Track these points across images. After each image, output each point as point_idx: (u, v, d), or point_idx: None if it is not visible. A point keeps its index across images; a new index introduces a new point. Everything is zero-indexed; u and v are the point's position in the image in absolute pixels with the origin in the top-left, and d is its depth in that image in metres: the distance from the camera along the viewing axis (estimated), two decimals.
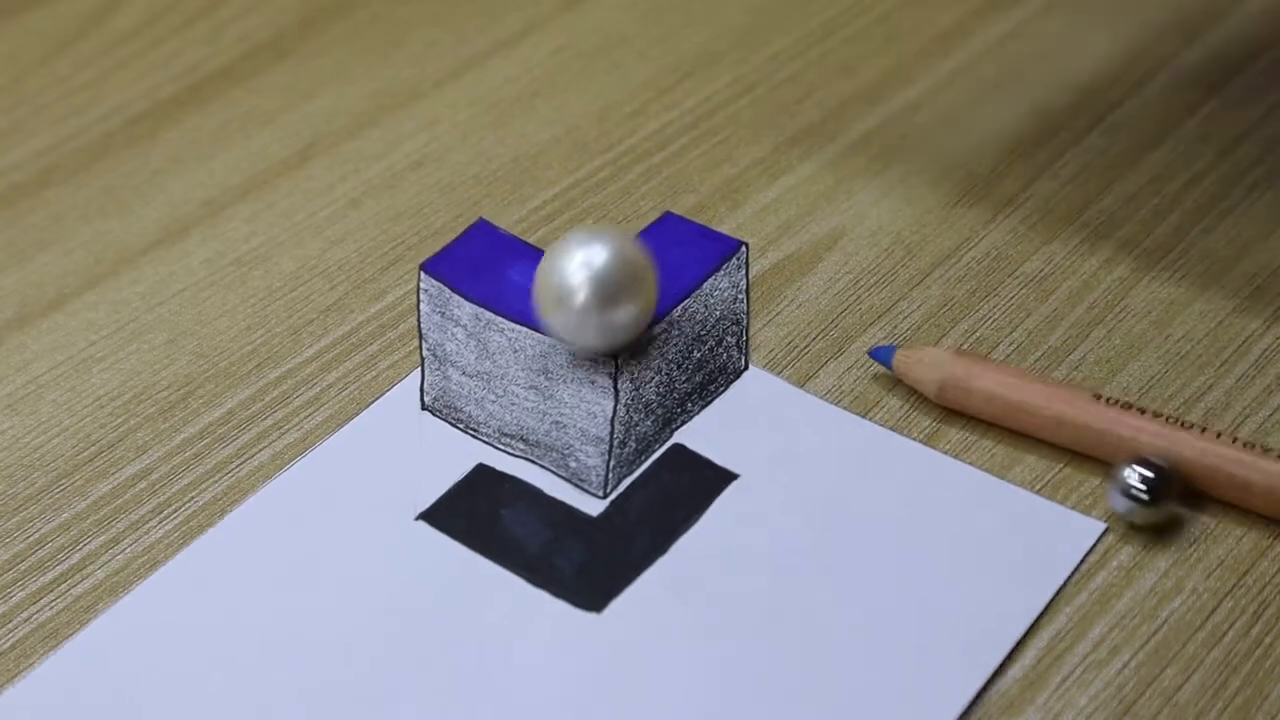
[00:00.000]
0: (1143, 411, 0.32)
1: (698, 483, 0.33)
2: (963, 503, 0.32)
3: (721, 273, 0.37)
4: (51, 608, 0.31)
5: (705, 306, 0.36)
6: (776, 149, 0.41)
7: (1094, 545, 0.31)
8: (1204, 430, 0.31)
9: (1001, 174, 0.39)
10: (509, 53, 0.45)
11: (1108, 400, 0.32)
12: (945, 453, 0.33)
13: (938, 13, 0.45)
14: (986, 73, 0.43)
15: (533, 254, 0.37)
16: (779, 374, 0.35)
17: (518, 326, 0.35)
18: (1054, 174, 0.39)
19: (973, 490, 0.32)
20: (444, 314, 0.36)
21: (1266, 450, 0.31)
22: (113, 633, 0.31)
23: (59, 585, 0.32)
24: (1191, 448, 0.31)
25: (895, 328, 0.36)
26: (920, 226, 0.38)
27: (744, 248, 0.38)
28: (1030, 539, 0.31)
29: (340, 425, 0.35)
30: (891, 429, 0.33)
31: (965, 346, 0.35)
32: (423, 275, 0.37)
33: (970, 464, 0.33)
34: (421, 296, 0.37)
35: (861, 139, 0.41)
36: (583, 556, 0.32)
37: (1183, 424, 0.31)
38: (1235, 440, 0.31)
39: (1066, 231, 0.38)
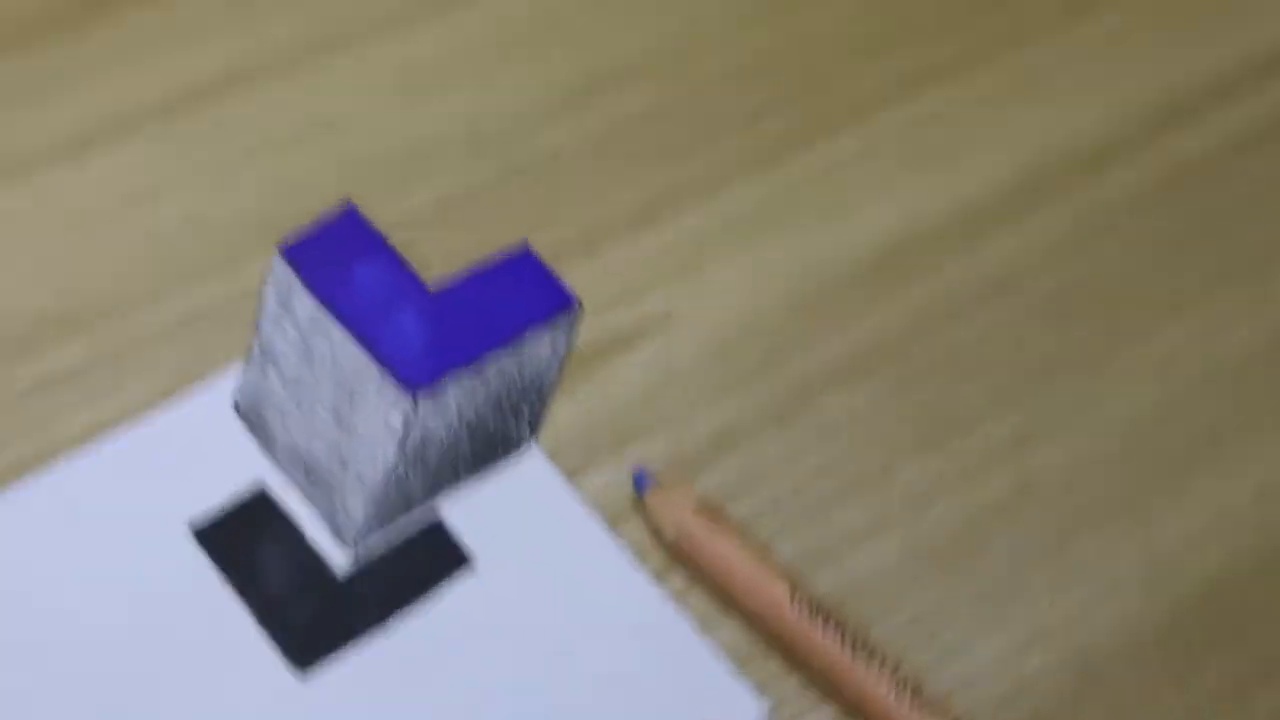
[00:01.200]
0: (827, 621, 0.35)
1: (438, 561, 0.36)
2: (655, 647, 0.35)
3: (546, 332, 0.39)
4: None
5: (519, 366, 0.38)
6: (657, 196, 0.42)
7: None
8: (872, 660, 0.34)
9: (866, 286, 0.41)
10: (444, 15, 0.45)
11: (800, 600, 0.35)
12: (674, 589, 0.36)
13: (863, 82, 0.45)
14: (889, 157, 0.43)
15: (391, 258, 0.39)
16: (554, 459, 0.38)
17: (345, 335, 0.38)
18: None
19: (668, 635, 0.35)
20: (285, 306, 0.39)
21: (916, 694, 0.34)
22: None
23: None
24: (851, 679, 0.34)
25: (679, 444, 0.38)
26: (750, 329, 0.40)
27: (577, 309, 0.40)
28: (695, 704, 0.34)
29: (162, 401, 0.38)
30: (636, 549, 0.36)
31: (733, 484, 0.38)
32: (277, 260, 0.39)
33: (688, 605, 0.36)
34: (269, 281, 0.39)
35: (736, 211, 0.42)
36: (314, 613, 0.35)
37: (854, 647, 0.34)
38: (895, 676, 0.34)
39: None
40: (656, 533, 0.37)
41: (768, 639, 0.36)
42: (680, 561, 0.37)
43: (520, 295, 0.39)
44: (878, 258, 0.41)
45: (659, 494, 0.37)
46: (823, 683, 0.35)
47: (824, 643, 0.34)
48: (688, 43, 0.45)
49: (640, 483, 0.37)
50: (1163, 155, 0.43)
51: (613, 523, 0.37)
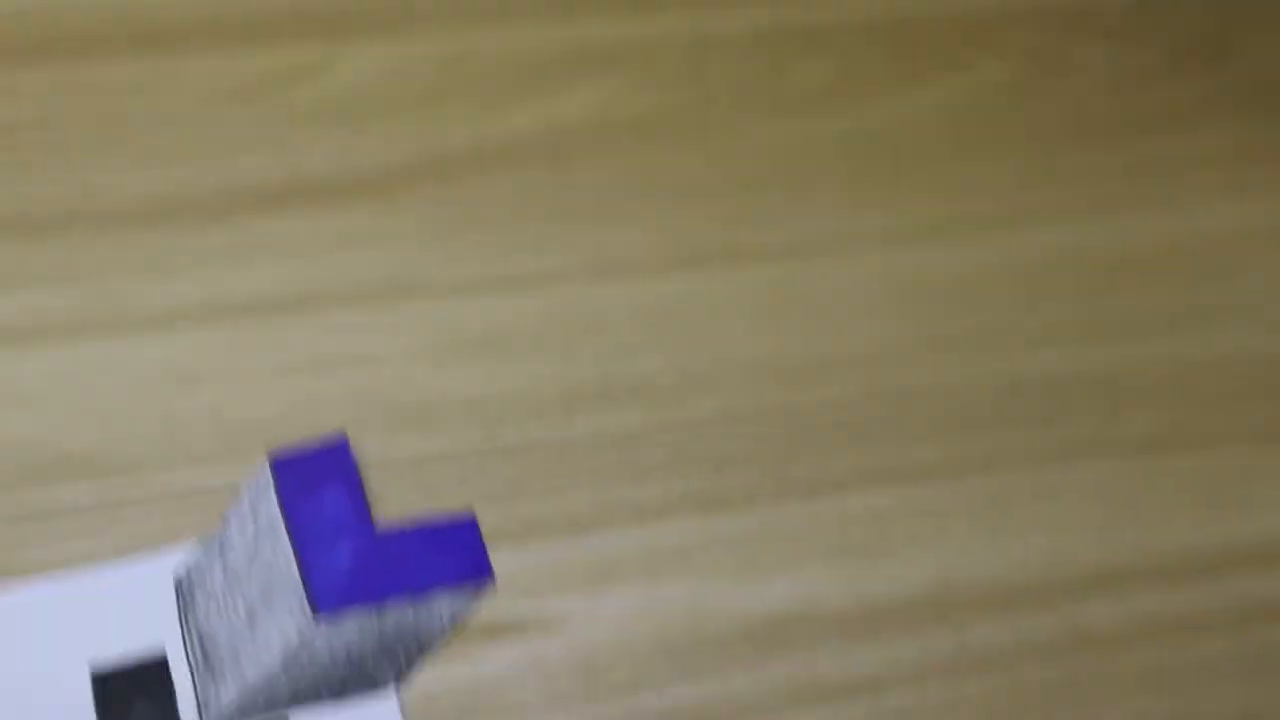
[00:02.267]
0: None
1: None
2: None
3: (451, 595, 0.45)
4: None
5: (415, 616, 0.44)
6: (598, 511, 0.48)
7: None
8: None
9: (752, 646, 0.45)
10: (534, 286, 0.52)
11: None
12: None
13: None
14: None
15: (357, 493, 0.46)
16: (410, 713, 0.43)
17: (288, 548, 0.44)
18: None
19: None
20: (254, 507, 0.46)
21: None
22: None
23: None
24: None
25: None
26: (629, 656, 0.45)
27: (487, 584, 0.45)
28: None
29: (125, 554, 0.45)
30: None
31: None
32: (263, 465, 0.46)
33: None
34: (250, 482, 0.46)
35: (664, 544, 0.47)
36: None
37: None
38: None
39: None
40: None
41: None
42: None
43: (446, 555, 0.45)
44: (772, 624, 0.46)
45: None
46: None
47: None
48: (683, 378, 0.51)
49: None
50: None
51: None
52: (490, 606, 0.45)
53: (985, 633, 0.46)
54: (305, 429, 0.48)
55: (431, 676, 0.44)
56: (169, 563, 0.45)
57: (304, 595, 0.42)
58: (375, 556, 0.44)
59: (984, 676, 0.45)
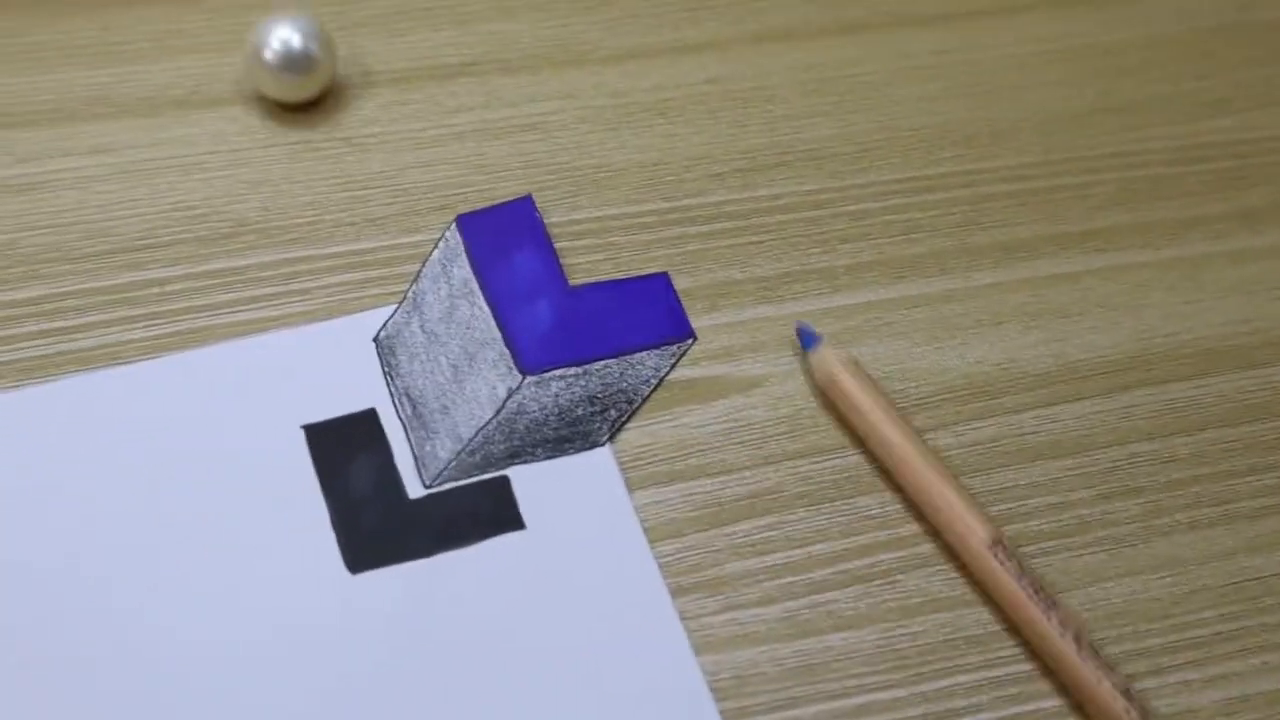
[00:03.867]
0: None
1: (495, 515, 0.41)
2: (652, 659, 0.39)
3: (655, 353, 0.44)
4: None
5: (621, 373, 0.43)
6: (783, 277, 0.47)
7: None
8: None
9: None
10: (696, 54, 0.51)
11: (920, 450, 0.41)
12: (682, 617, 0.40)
13: None
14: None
15: (548, 253, 0.45)
16: (623, 467, 0.43)
17: (486, 308, 0.43)
18: None
19: (668, 654, 0.39)
20: (445, 268, 0.45)
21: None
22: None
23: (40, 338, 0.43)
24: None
25: (728, 492, 0.42)
26: (825, 412, 0.44)
27: (691, 342, 0.45)
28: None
29: (309, 322, 0.44)
30: (662, 571, 0.41)
31: (767, 539, 0.42)
32: (453, 227, 0.45)
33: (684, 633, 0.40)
34: (440, 244, 0.45)
35: (867, 305, 0.46)
36: (380, 524, 0.41)
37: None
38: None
39: None
40: (811, 377, 0.43)
41: (890, 481, 0.42)
42: (828, 408, 0.43)
43: (645, 314, 0.44)
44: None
45: (822, 349, 0.43)
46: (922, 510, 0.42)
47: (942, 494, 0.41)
48: (879, 135, 0.50)
49: (806, 338, 0.43)
50: None
51: (650, 538, 0.41)
52: (689, 365, 0.44)
53: (1187, 391, 0.46)
54: (482, 193, 0.47)
55: (640, 433, 0.43)
56: (365, 323, 0.44)
57: (509, 354, 0.42)
58: (574, 315, 0.43)
59: (1189, 436, 0.45)
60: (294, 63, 0.46)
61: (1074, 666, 0.39)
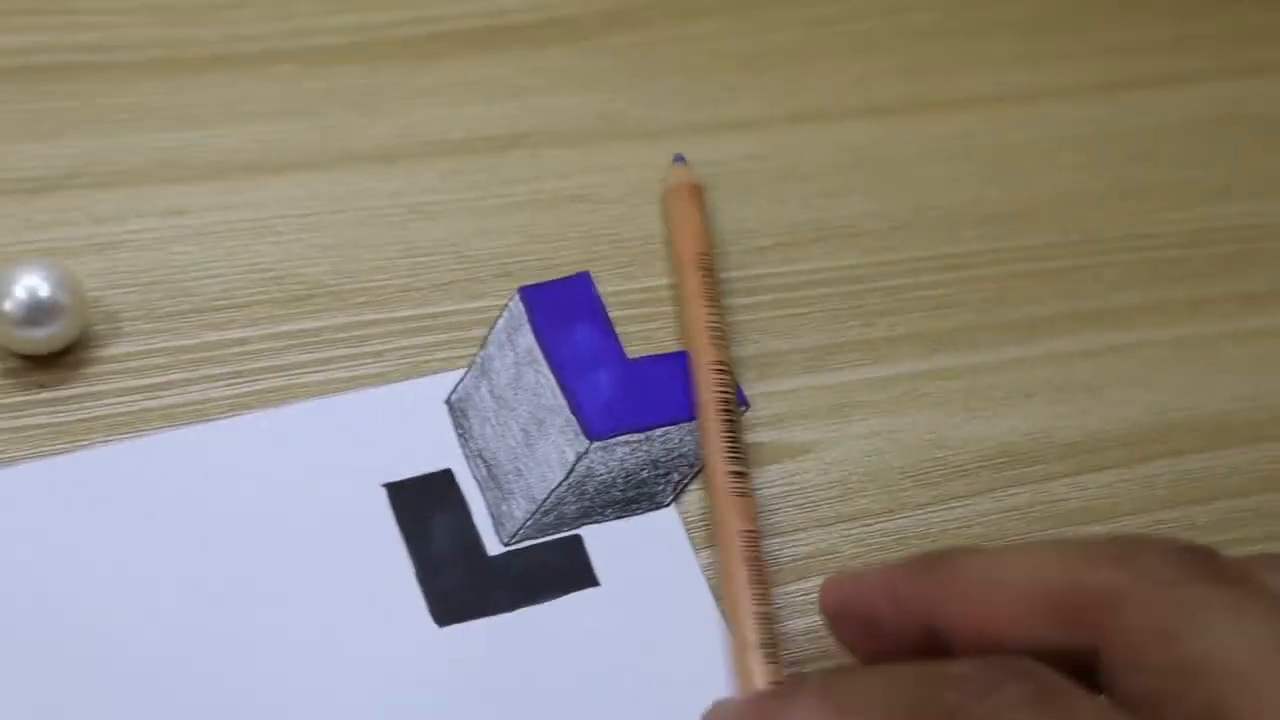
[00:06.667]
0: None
1: (570, 572, 0.43)
2: None
3: None
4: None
5: (680, 439, 0.46)
6: (828, 350, 0.49)
7: None
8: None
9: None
10: (734, 132, 0.54)
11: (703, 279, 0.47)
12: None
13: None
14: None
15: (605, 325, 0.47)
16: (687, 526, 0.45)
17: (551, 376, 0.45)
18: None
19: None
20: (509, 336, 0.47)
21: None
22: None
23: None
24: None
25: (778, 557, 0.45)
26: (877, 480, 0.47)
27: (743, 411, 0.47)
28: None
29: (382, 383, 0.46)
30: (720, 618, 0.43)
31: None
32: (516, 298, 0.47)
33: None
34: (504, 314, 0.47)
35: (905, 376, 0.49)
36: (463, 580, 0.43)
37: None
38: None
39: None
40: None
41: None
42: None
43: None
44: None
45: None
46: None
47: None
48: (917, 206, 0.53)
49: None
50: None
51: (715, 595, 0.44)
52: (746, 430, 0.47)
53: (1202, 462, 0.49)
54: (539, 263, 0.49)
55: (702, 495, 0.45)
56: (436, 386, 0.46)
57: (575, 422, 0.44)
58: (634, 385, 0.46)
59: (1205, 505, 0.48)
60: None
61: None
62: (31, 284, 0.43)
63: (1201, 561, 0.31)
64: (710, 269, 0.48)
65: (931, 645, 0.35)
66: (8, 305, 0.43)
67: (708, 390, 0.44)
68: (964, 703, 0.30)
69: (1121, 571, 0.31)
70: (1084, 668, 0.32)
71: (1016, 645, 0.32)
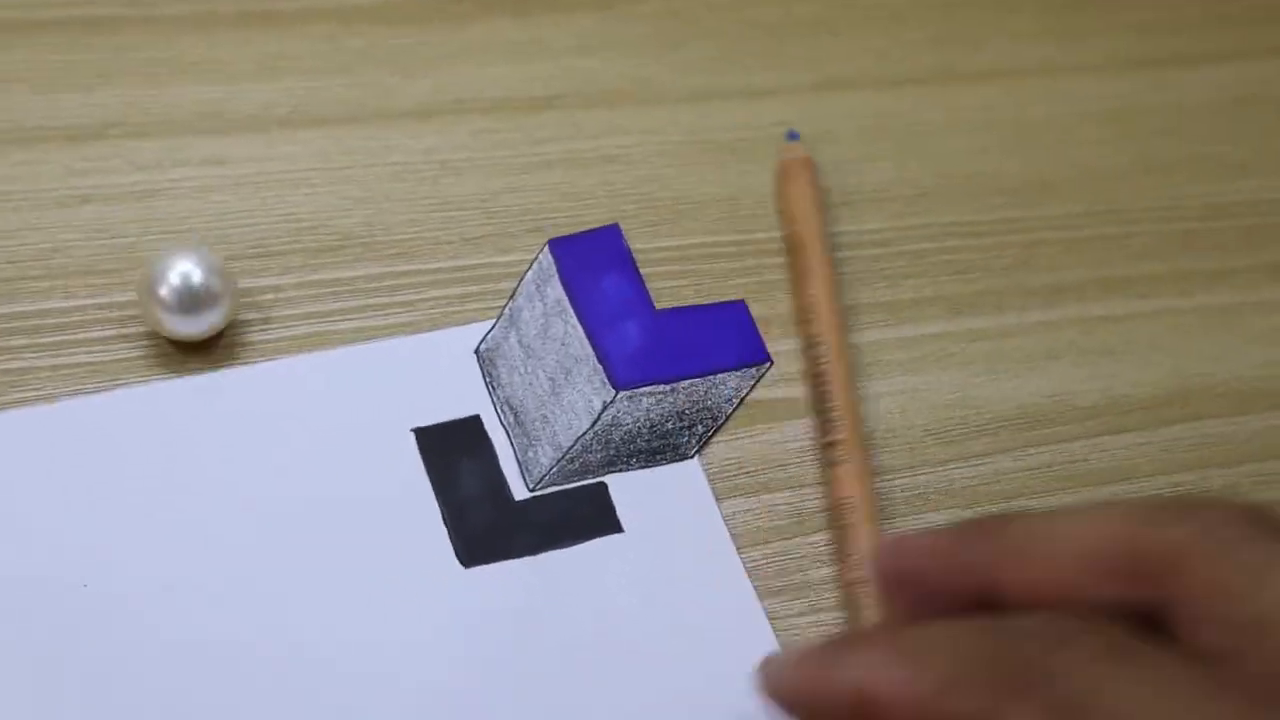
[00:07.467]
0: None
1: (594, 518, 0.44)
2: (742, 662, 0.41)
3: (735, 374, 0.47)
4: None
5: (705, 392, 0.46)
6: (855, 306, 0.50)
7: None
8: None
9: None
10: (765, 98, 0.54)
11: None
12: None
13: None
14: None
15: (634, 277, 0.48)
16: (710, 478, 0.45)
17: (579, 326, 0.46)
18: None
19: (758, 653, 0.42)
20: (538, 287, 0.47)
21: None
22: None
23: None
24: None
25: (801, 508, 0.46)
26: (899, 439, 0.47)
27: (768, 366, 0.48)
28: None
29: (412, 332, 0.46)
30: (751, 579, 0.43)
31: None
32: (545, 250, 0.48)
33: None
34: (533, 266, 0.48)
35: (930, 337, 0.49)
36: (489, 523, 0.43)
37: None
38: None
39: None
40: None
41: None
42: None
43: (725, 339, 0.47)
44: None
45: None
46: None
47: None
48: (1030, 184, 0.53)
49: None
50: None
51: (737, 544, 0.44)
52: (767, 387, 0.47)
53: (1222, 427, 0.49)
54: (569, 220, 0.50)
55: (725, 448, 0.46)
56: (466, 335, 0.46)
57: (602, 371, 0.44)
58: (661, 336, 0.46)
59: (1225, 469, 0.48)
60: None
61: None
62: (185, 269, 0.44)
63: (1263, 519, 0.32)
64: (829, 250, 0.50)
65: (985, 611, 0.34)
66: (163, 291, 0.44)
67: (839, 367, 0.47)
68: (1042, 655, 0.30)
69: (1186, 530, 0.32)
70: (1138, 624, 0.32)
71: (1077, 606, 0.32)
